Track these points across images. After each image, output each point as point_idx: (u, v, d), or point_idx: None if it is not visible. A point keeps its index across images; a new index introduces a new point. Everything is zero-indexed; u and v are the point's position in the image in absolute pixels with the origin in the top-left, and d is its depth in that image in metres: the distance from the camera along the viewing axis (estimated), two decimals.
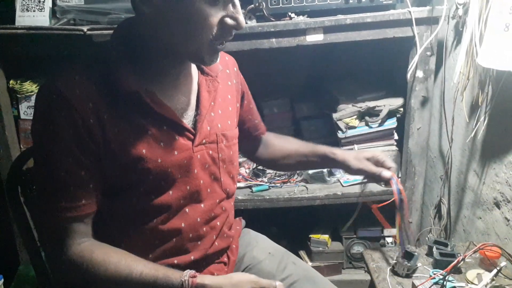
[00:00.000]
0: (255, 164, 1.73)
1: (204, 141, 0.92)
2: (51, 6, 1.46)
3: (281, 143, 1.21)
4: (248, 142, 1.17)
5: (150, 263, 0.84)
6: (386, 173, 1.04)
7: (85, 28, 1.36)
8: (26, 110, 1.59)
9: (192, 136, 0.90)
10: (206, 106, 0.93)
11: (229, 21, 0.80)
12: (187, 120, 0.91)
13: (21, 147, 1.55)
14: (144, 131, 0.84)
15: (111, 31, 1.44)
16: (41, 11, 1.47)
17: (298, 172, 1.73)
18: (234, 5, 0.81)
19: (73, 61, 0.87)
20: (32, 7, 1.46)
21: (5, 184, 0.96)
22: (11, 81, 1.50)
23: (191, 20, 0.78)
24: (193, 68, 0.96)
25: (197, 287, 0.80)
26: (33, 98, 1.57)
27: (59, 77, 0.81)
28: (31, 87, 1.54)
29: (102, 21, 1.45)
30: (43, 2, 1.47)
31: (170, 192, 0.88)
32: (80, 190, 0.81)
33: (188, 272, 0.81)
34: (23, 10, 1.47)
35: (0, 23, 1.44)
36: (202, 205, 0.93)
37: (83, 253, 0.82)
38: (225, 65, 1.04)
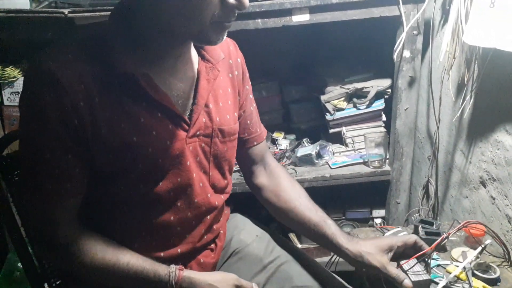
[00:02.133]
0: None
1: (198, 133, 0.88)
2: None
3: (293, 198, 1.03)
4: (241, 147, 1.05)
5: (136, 254, 0.83)
6: (407, 283, 0.88)
7: (66, 11, 1.33)
8: (9, 96, 1.55)
9: (186, 127, 0.85)
10: (204, 96, 0.88)
11: (231, 0, 0.75)
12: (183, 109, 0.86)
13: (5, 133, 1.52)
14: (136, 117, 0.80)
15: (93, 14, 1.43)
16: None
17: (287, 155, 1.73)
18: None
19: (68, 39, 0.82)
20: None
21: None
22: None
23: (189, 2, 0.73)
24: (194, 53, 0.90)
25: (184, 280, 0.80)
26: (16, 83, 1.54)
27: (52, 54, 0.76)
28: (13, 73, 1.51)
29: (84, 3, 1.42)
30: None
31: (160, 183, 0.85)
32: (66, 173, 0.78)
33: (176, 265, 0.81)
34: None
35: None
36: (195, 199, 0.90)
37: (68, 238, 0.80)
38: (227, 54, 0.97)
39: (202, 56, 0.90)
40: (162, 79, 0.82)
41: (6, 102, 1.56)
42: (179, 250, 0.91)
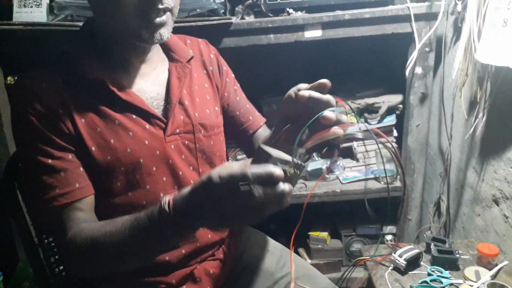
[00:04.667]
0: None
1: (178, 130, 0.90)
2: (48, 2, 1.46)
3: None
4: (237, 137, 1.10)
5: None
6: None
7: (81, 24, 1.35)
8: None
9: (163, 125, 0.88)
10: (176, 94, 0.91)
11: None
12: (158, 109, 0.89)
13: None
14: (111, 120, 0.83)
15: None
16: (38, 7, 1.46)
17: None
18: None
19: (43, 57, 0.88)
20: (29, 3, 1.46)
21: (2, 180, 0.96)
22: (9, 78, 1.50)
23: None
24: (163, 57, 0.94)
25: (175, 202, 0.67)
26: None
27: (27, 72, 0.83)
28: None
29: None
30: None
31: (147, 186, 0.86)
32: (71, 174, 0.80)
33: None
34: (20, 6, 1.46)
35: None
36: None
37: (77, 236, 0.77)
38: (198, 52, 1.01)
39: (170, 58, 0.94)
40: (133, 84, 0.87)
41: None
42: (183, 251, 0.91)
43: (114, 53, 0.86)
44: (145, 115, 0.86)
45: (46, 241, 1.00)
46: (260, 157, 0.62)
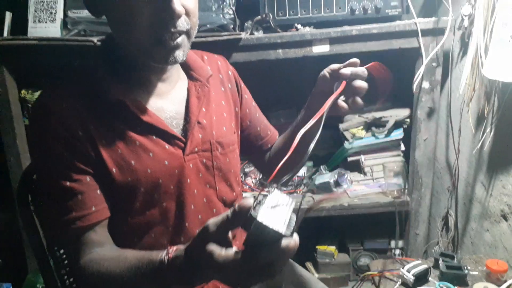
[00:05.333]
0: (261, 175, 1.73)
1: (196, 149, 0.89)
2: (62, 17, 1.49)
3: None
4: (253, 152, 1.12)
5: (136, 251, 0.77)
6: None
7: (95, 39, 1.39)
8: None
9: (182, 144, 0.87)
10: (196, 113, 0.90)
11: (159, 9, 0.75)
12: (177, 129, 0.88)
13: None
14: (132, 141, 0.82)
15: None
16: (52, 22, 1.50)
17: (304, 182, 1.73)
18: None
19: (62, 76, 0.87)
20: (44, 18, 1.49)
21: (16, 192, 0.97)
22: (23, 91, 1.53)
23: (119, 15, 0.77)
24: (182, 75, 0.94)
25: (174, 256, 0.67)
26: None
27: (46, 92, 0.83)
28: None
29: None
30: (55, 13, 1.50)
31: (164, 204, 0.86)
32: (88, 196, 0.80)
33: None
34: (35, 21, 1.50)
35: (13, 34, 1.47)
36: (199, 216, 0.90)
37: (86, 267, 0.78)
38: (216, 69, 1.01)
39: (190, 77, 0.94)
40: (153, 103, 0.86)
41: None
42: None
43: (133, 71, 0.86)
44: (165, 135, 0.85)
45: (58, 253, 1.01)
46: (254, 230, 0.54)
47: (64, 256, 1.02)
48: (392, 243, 1.70)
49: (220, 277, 0.60)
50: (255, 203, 0.56)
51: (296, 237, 0.56)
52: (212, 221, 0.59)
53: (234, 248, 0.57)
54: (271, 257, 0.55)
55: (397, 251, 1.68)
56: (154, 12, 0.75)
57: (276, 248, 0.54)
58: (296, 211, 0.57)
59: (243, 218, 0.55)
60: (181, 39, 0.79)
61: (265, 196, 0.57)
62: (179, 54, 0.80)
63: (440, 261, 1.10)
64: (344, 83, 0.85)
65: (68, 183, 0.78)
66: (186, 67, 0.95)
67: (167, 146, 0.86)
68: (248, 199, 0.55)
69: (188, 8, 0.79)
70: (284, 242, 0.55)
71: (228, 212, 0.57)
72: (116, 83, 0.83)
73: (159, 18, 0.76)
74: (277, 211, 0.55)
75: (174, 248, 0.67)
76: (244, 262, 0.56)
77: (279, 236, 0.54)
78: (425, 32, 1.39)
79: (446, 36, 1.37)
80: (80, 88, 0.82)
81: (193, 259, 0.62)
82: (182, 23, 0.78)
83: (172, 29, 0.77)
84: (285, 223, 0.54)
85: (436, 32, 1.38)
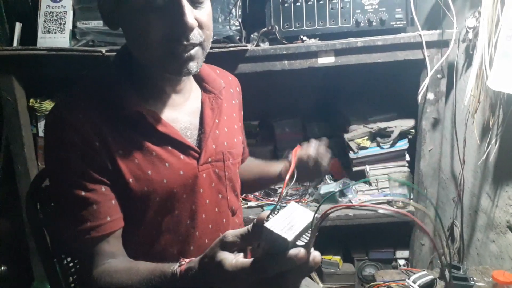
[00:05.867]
0: None
1: (210, 159, 0.91)
2: (71, 28, 1.51)
3: (247, 162, 1.21)
4: None
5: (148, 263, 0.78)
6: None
7: (103, 50, 1.40)
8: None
9: (197, 155, 0.89)
10: (210, 124, 0.92)
11: (172, 22, 0.77)
12: (191, 139, 0.90)
13: (39, 164, 1.58)
14: (148, 152, 0.83)
15: None
16: (61, 32, 1.52)
17: (309, 192, 1.73)
18: (176, 6, 0.76)
19: (77, 85, 0.88)
20: (53, 29, 1.52)
21: (25, 201, 0.98)
22: (31, 100, 1.55)
23: (135, 28, 0.79)
24: (195, 87, 0.96)
25: (187, 268, 0.68)
26: None
27: (63, 102, 0.84)
28: (49, 106, 1.58)
29: (120, 42, 1.50)
30: (64, 24, 1.52)
31: (176, 212, 0.87)
32: (104, 207, 0.80)
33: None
34: (44, 32, 1.52)
35: (23, 44, 1.50)
36: (209, 225, 0.91)
37: (98, 279, 0.79)
38: (228, 83, 1.04)
39: (204, 89, 0.96)
40: (168, 114, 0.88)
41: (41, 133, 1.63)
42: None
43: (148, 82, 0.87)
44: (180, 146, 0.87)
45: (65, 261, 1.01)
46: (263, 237, 0.56)
47: (71, 264, 1.03)
48: (397, 253, 1.69)
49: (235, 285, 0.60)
50: (271, 215, 0.57)
51: (314, 252, 0.56)
52: (231, 232, 0.60)
53: (246, 259, 0.58)
54: (279, 266, 0.55)
55: (402, 262, 1.68)
56: (167, 25, 0.77)
57: (284, 257, 0.55)
58: (311, 224, 0.57)
59: (260, 230, 0.56)
60: (195, 51, 0.81)
61: (282, 207, 0.58)
62: (193, 66, 0.81)
63: (446, 272, 1.10)
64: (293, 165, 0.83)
65: (83, 193, 0.79)
66: (200, 80, 0.96)
67: (182, 156, 0.87)
68: (265, 212, 0.57)
69: (201, 21, 0.80)
70: (293, 251, 0.55)
71: (250, 226, 0.58)
72: (132, 94, 0.84)
73: (172, 31, 0.77)
74: (289, 221, 0.56)
75: (187, 260, 0.68)
76: (253, 271, 0.56)
77: (286, 244, 0.54)
78: (430, 44, 1.40)
79: (451, 48, 1.38)
80: (96, 99, 0.83)
81: (205, 268, 0.62)
82: (195, 36, 0.79)
83: (185, 42, 0.78)
84: (294, 232, 0.55)
85: (440, 44, 1.40)
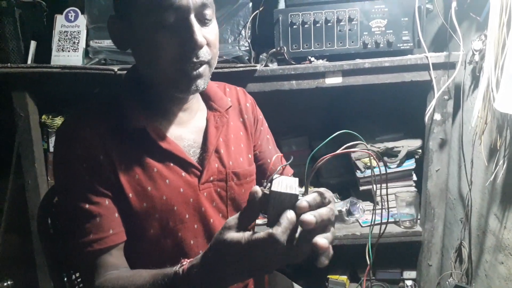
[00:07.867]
0: None
1: (211, 178, 0.91)
2: (84, 46, 1.55)
3: None
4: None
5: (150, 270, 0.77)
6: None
7: (115, 68, 1.44)
8: None
9: (198, 173, 0.89)
10: (213, 143, 0.92)
11: (182, 41, 0.79)
12: (194, 157, 0.91)
13: (49, 179, 1.60)
14: (150, 168, 0.85)
15: None
16: (75, 51, 1.56)
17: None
18: (186, 24, 0.79)
19: (87, 102, 0.90)
20: (67, 47, 1.56)
21: (37, 216, 0.99)
22: (43, 116, 1.57)
23: (145, 47, 0.81)
24: (202, 106, 0.97)
25: (192, 266, 0.68)
26: None
27: (72, 118, 0.87)
28: (61, 122, 1.61)
29: (131, 61, 1.53)
30: (77, 43, 1.56)
31: (179, 234, 0.87)
32: (107, 219, 0.81)
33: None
34: (58, 50, 1.56)
35: (37, 62, 1.53)
36: None
37: (104, 283, 0.79)
38: (235, 100, 1.05)
39: (210, 107, 0.97)
40: (172, 131, 0.90)
41: (51, 149, 1.65)
42: None
43: (155, 101, 0.89)
44: (182, 163, 0.88)
45: (73, 276, 1.02)
46: (272, 201, 0.61)
47: (80, 279, 1.03)
48: (405, 274, 1.68)
49: (248, 264, 0.61)
50: (266, 186, 0.63)
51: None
52: (230, 218, 0.62)
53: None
54: (292, 217, 0.59)
55: (410, 282, 1.67)
56: (177, 43, 0.79)
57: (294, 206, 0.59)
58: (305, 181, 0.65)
59: (258, 203, 0.60)
60: (203, 68, 0.83)
61: (272, 179, 0.64)
62: (200, 83, 0.84)
63: None
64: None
65: (87, 205, 0.80)
66: (207, 98, 0.98)
67: (183, 173, 0.88)
68: (255, 186, 0.61)
69: (209, 40, 0.83)
70: (299, 201, 0.60)
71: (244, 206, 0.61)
72: (139, 112, 0.86)
73: (182, 49, 0.79)
74: (286, 185, 0.63)
75: (188, 260, 0.69)
76: (270, 237, 0.57)
77: (295, 200, 0.61)
78: (437, 66, 1.42)
79: (457, 70, 1.39)
80: (104, 115, 0.86)
81: (215, 255, 0.63)
82: (204, 54, 0.82)
83: (195, 59, 0.81)
84: (296, 189, 0.62)
85: (447, 66, 1.41)
